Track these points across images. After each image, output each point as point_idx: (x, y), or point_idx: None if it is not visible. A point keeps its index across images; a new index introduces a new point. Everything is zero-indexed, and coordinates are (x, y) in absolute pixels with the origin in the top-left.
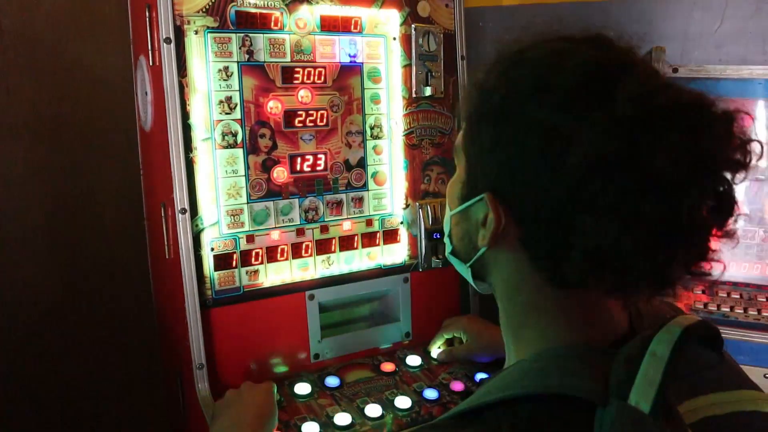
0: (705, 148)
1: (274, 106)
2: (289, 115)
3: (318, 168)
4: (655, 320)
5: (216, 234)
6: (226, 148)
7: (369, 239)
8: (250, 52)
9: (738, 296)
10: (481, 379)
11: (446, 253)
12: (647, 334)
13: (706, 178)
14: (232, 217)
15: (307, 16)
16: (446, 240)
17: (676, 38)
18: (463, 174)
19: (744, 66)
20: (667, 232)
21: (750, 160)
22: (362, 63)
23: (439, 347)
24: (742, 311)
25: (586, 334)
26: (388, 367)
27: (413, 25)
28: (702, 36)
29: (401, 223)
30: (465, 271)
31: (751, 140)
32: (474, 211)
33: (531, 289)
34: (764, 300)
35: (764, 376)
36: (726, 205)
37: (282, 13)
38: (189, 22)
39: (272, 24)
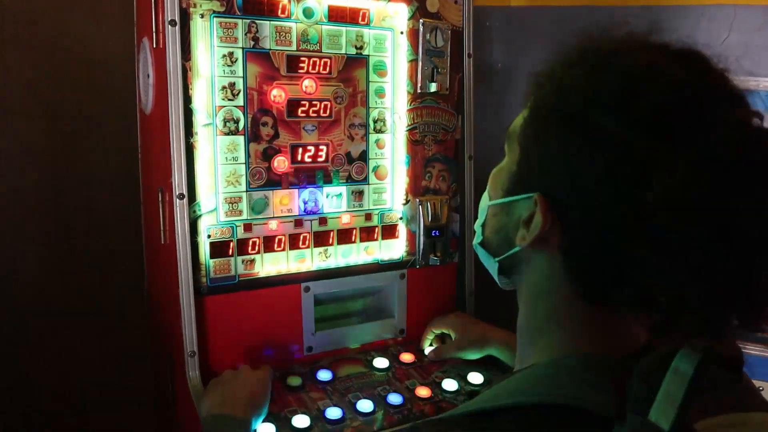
0: None
1: (277, 95)
2: (293, 104)
3: (319, 159)
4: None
5: (213, 221)
6: (228, 134)
7: (367, 233)
8: (256, 39)
9: None
10: (484, 381)
11: (474, 243)
12: (667, 349)
13: None
14: (231, 204)
15: (315, 5)
16: (478, 229)
17: (682, 41)
18: (513, 165)
19: (751, 77)
20: (734, 288)
21: None
22: (368, 56)
23: (430, 344)
24: None
25: (604, 345)
26: (381, 363)
27: (421, 20)
28: (709, 47)
29: (400, 218)
30: (491, 264)
31: None
32: (518, 207)
33: (558, 297)
34: None
35: (758, 389)
36: None
37: (290, 1)
38: (195, 6)
39: (279, 11)
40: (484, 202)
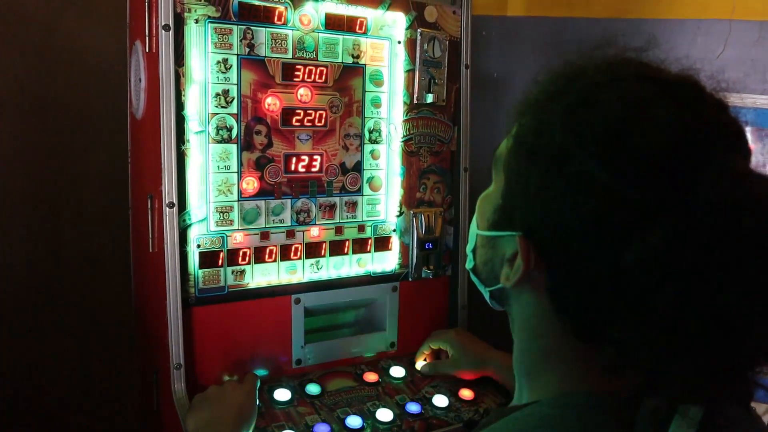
0: None
1: (272, 103)
2: (287, 113)
3: (313, 169)
4: None
5: (203, 230)
6: (220, 142)
7: (360, 245)
8: (251, 46)
9: None
10: (475, 397)
11: (467, 267)
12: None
13: None
14: (222, 214)
15: (312, 13)
16: (469, 253)
17: (678, 61)
18: (498, 197)
19: (747, 95)
20: (720, 358)
21: None
22: (365, 65)
23: (425, 359)
24: None
25: (606, 381)
26: (371, 377)
27: (419, 30)
28: (704, 61)
29: (394, 230)
30: (483, 290)
31: None
32: (502, 244)
33: (551, 335)
34: None
35: None
36: None
37: (286, 8)
38: (190, 10)
39: (275, 18)
40: (473, 228)
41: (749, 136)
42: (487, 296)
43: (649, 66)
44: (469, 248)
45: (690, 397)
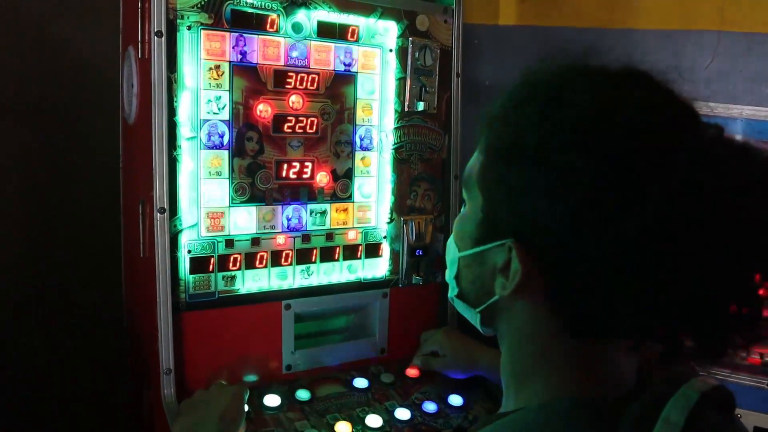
0: None
1: (263, 110)
2: (279, 119)
3: (304, 176)
4: (666, 375)
5: (194, 236)
6: (212, 148)
7: (351, 252)
8: (243, 53)
9: None
10: (464, 404)
11: (450, 296)
12: (659, 394)
13: None
14: (213, 220)
15: (304, 20)
16: (450, 281)
17: (667, 71)
18: (478, 212)
19: (734, 106)
20: (723, 311)
21: None
22: (357, 72)
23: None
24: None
25: (593, 386)
26: (360, 382)
27: (410, 39)
28: (693, 71)
29: (384, 237)
30: (473, 315)
31: None
32: (491, 256)
33: (544, 338)
34: None
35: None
36: None
37: (279, 16)
38: (182, 17)
39: (268, 26)
40: (453, 253)
41: None
42: (477, 320)
43: (602, 66)
44: (450, 276)
45: (711, 350)
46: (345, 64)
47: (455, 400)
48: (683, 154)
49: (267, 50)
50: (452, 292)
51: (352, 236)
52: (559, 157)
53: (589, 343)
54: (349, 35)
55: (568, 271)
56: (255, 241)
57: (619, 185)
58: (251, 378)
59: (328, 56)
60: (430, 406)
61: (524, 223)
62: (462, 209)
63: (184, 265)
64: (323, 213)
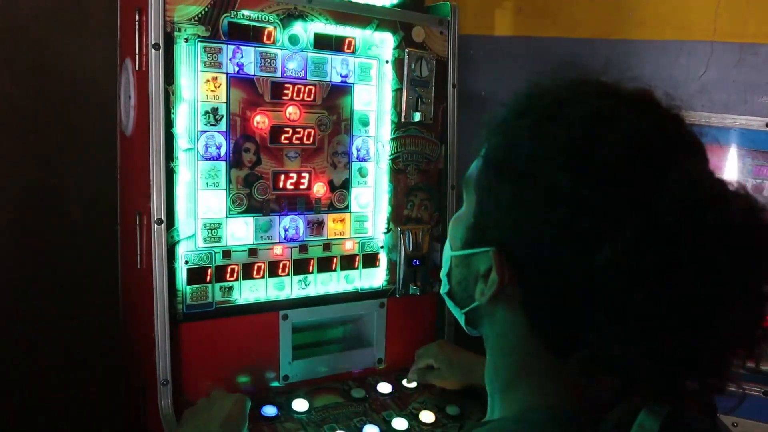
0: (749, 273)
1: (261, 121)
2: (276, 131)
3: (301, 187)
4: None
5: (192, 247)
6: (209, 160)
7: (348, 262)
8: (240, 65)
9: None
10: (461, 414)
11: (442, 292)
12: (637, 402)
13: (740, 304)
14: (210, 231)
15: (301, 32)
16: (443, 278)
17: (661, 81)
18: (471, 216)
19: (728, 115)
20: (690, 351)
21: None
22: (353, 84)
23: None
24: None
25: (573, 398)
26: (358, 393)
27: (407, 50)
28: (687, 81)
29: (382, 247)
30: (459, 315)
31: None
32: (476, 261)
33: (525, 350)
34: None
35: (733, 424)
36: (757, 330)
37: (275, 28)
38: (180, 30)
39: (265, 38)
40: (447, 251)
41: (732, 156)
42: (462, 320)
43: (608, 84)
44: (443, 273)
45: (663, 394)
46: (341, 76)
47: (452, 410)
48: (664, 192)
49: (264, 62)
50: (444, 288)
51: (349, 246)
52: (547, 175)
53: (568, 357)
54: (346, 47)
55: (543, 287)
56: (252, 251)
57: (598, 212)
58: (249, 388)
59: (324, 68)
60: (427, 416)
61: (507, 235)
62: (461, 208)
63: (182, 275)
64: (320, 223)
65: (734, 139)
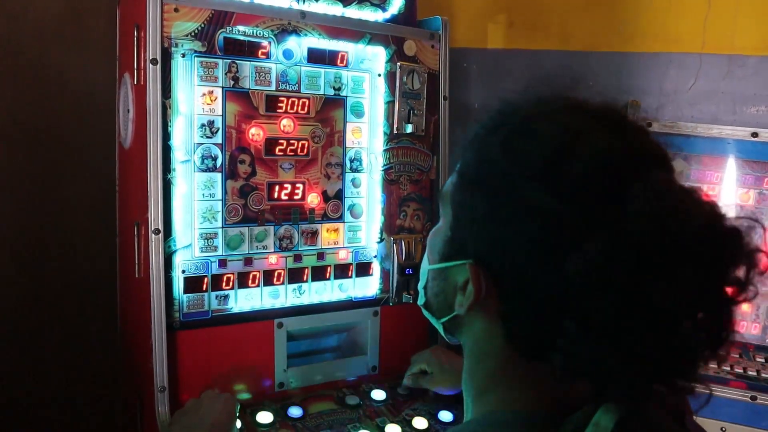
0: (712, 279)
1: (255, 133)
2: (271, 143)
3: (295, 197)
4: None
5: (188, 256)
6: (205, 171)
7: (341, 271)
8: (236, 79)
9: None
10: (454, 420)
11: (419, 303)
12: (601, 402)
13: (706, 309)
14: (206, 240)
15: (295, 47)
16: (420, 290)
17: (651, 93)
18: (448, 230)
19: (714, 125)
20: (657, 355)
21: (753, 277)
22: (346, 97)
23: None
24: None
25: (543, 402)
26: (352, 400)
27: (398, 63)
28: (676, 93)
29: (375, 256)
30: (437, 324)
31: (757, 255)
32: (453, 273)
33: (500, 357)
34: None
35: (721, 429)
36: (721, 333)
37: (270, 43)
38: (177, 45)
39: (260, 53)
40: (424, 264)
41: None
42: (440, 329)
43: (577, 99)
44: (420, 285)
45: (632, 397)
46: (335, 89)
47: (445, 416)
48: (629, 203)
49: (259, 76)
50: (420, 300)
51: (343, 256)
52: (519, 188)
53: (542, 363)
54: (339, 61)
55: (518, 296)
56: (247, 260)
57: (568, 224)
58: (244, 395)
59: (318, 81)
60: (420, 423)
61: (483, 248)
62: (438, 223)
63: (178, 284)
64: (314, 233)
65: (723, 149)
